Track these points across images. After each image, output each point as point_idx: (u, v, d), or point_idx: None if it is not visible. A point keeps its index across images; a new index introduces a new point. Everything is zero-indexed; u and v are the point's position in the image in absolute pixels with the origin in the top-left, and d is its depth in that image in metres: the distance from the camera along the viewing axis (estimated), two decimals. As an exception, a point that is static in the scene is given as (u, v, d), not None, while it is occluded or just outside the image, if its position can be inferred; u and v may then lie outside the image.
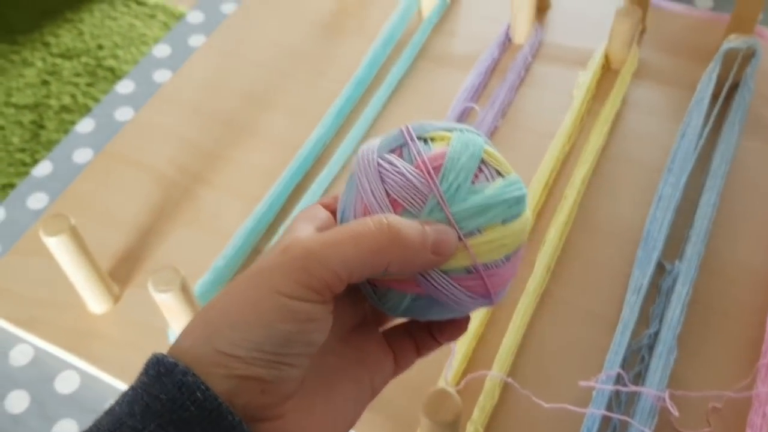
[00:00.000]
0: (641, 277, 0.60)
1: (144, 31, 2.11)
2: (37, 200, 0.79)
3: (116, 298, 0.67)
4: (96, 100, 1.94)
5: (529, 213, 0.36)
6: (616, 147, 0.75)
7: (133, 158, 0.79)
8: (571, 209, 0.67)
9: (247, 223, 0.70)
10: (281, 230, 0.70)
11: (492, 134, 0.76)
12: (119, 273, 0.69)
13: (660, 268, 0.62)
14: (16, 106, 1.95)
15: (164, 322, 0.61)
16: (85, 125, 0.85)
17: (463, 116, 0.78)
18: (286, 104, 0.83)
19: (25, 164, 1.82)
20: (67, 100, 1.95)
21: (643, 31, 0.84)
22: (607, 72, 0.80)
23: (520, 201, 0.35)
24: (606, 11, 0.83)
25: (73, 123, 1.89)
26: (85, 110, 1.92)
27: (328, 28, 0.91)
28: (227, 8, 0.97)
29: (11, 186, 1.77)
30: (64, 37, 2.11)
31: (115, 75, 1.99)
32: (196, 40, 0.94)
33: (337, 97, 0.81)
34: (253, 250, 0.70)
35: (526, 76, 0.82)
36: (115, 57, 2.04)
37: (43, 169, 0.82)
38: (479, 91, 0.81)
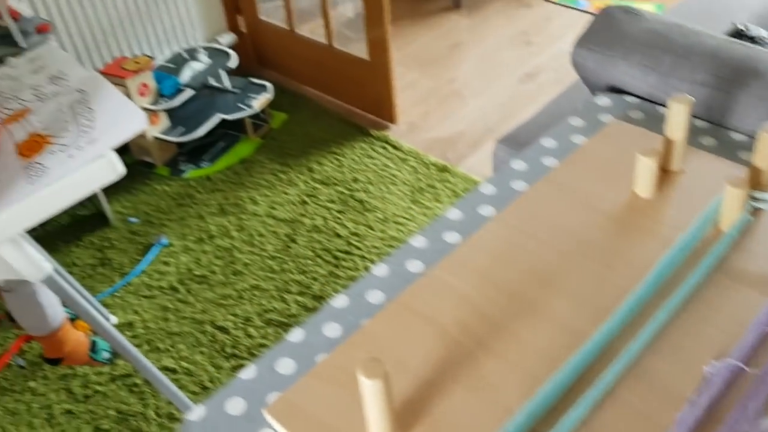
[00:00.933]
0: None
1: (395, 173, 2.31)
2: (332, 329, 0.87)
3: (399, 445, 0.71)
4: (344, 226, 2.12)
5: None
6: None
7: (422, 311, 0.86)
8: None
9: (528, 405, 0.72)
10: (562, 420, 0.71)
11: (794, 368, 0.73)
12: (400, 417, 0.74)
13: None
14: (275, 218, 2.19)
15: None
16: (380, 269, 0.94)
17: (761, 341, 0.76)
18: (571, 289, 0.86)
19: (273, 271, 2.01)
20: (318, 221, 2.16)
21: None
22: None
23: None
24: None
25: (320, 243, 2.08)
26: (333, 234, 2.10)
27: (620, 223, 0.94)
28: (518, 185, 1.05)
29: (257, 288, 1.96)
30: (327, 166, 2.37)
31: (364, 207, 2.18)
32: (486, 210, 1.01)
33: (625, 294, 0.82)
34: None
35: (835, 313, 0.79)
36: (366, 191, 2.24)
37: (340, 301, 0.91)
38: (780, 319, 0.78)
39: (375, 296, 0.91)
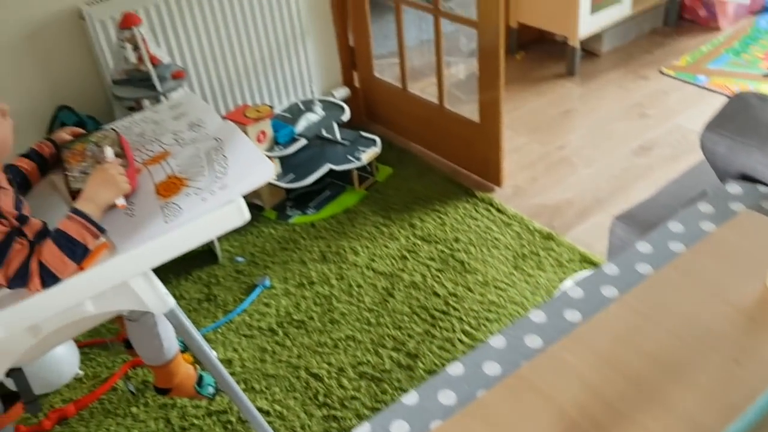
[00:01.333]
0: None
1: (498, 236, 2.30)
2: (447, 397, 0.88)
3: None
4: (442, 285, 2.13)
5: None
6: None
7: (540, 388, 0.85)
8: None
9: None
10: None
11: None
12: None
13: None
14: (375, 270, 2.22)
15: None
16: (497, 341, 0.95)
17: None
18: (697, 382, 0.84)
19: (369, 323, 2.03)
20: (417, 278, 2.17)
21: None
22: None
23: None
24: None
25: (417, 300, 2.09)
26: (431, 292, 2.11)
27: (751, 317, 0.91)
28: (643, 269, 1.03)
29: (353, 339, 1.99)
30: (429, 223, 2.39)
31: (464, 268, 2.18)
32: (608, 291, 1.00)
33: (755, 393, 0.79)
34: None
35: None
36: (467, 252, 2.25)
37: (456, 369, 0.91)
38: None
39: (491, 368, 0.91)
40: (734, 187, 1.13)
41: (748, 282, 0.95)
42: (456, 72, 3.20)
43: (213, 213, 1.24)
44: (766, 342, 0.87)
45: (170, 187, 1.30)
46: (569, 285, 0.98)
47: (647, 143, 2.65)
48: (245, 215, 1.29)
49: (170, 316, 1.31)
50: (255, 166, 1.33)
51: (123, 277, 1.19)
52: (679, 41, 3.31)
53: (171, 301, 1.30)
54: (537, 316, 0.97)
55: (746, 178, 1.18)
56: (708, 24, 3.37)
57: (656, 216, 1.28)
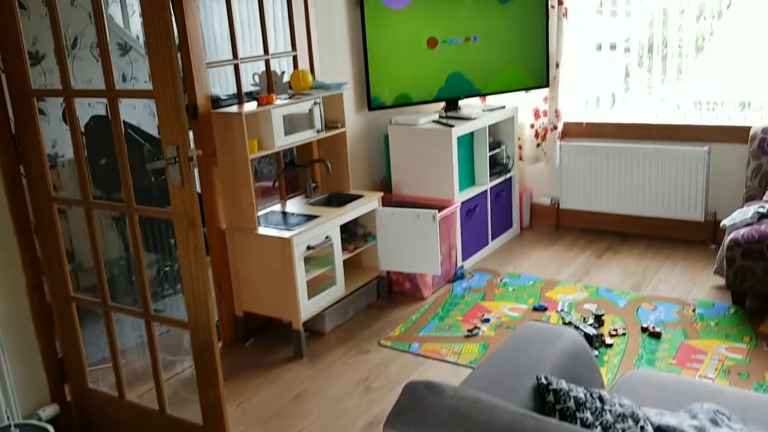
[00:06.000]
0: None
1: None
2: None
3: None
4: None
5: None
6: None
7: None
8: None
9: None
10: None
11: None
12: None
13: None
14: None
15: None
16: None
17: None
18: None
19: None
20: None
21: None
22: None
23: None
24: None
25: None
26: None
27: None
28: None
29: None
30: None
31: None
32: None
33: None
34: None
35: None
36: None
37: None
38: None
39: None
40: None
41: None
42: (181, 368, 3.08)
43: None
44: None
45: None
46: None
47: (375, 418, 2.68)
48: None
49: None
50: None
51: None
52: (393, 313, 3.58)
53: None
54: None
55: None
56: (414, 295, 3.72)
57: None
